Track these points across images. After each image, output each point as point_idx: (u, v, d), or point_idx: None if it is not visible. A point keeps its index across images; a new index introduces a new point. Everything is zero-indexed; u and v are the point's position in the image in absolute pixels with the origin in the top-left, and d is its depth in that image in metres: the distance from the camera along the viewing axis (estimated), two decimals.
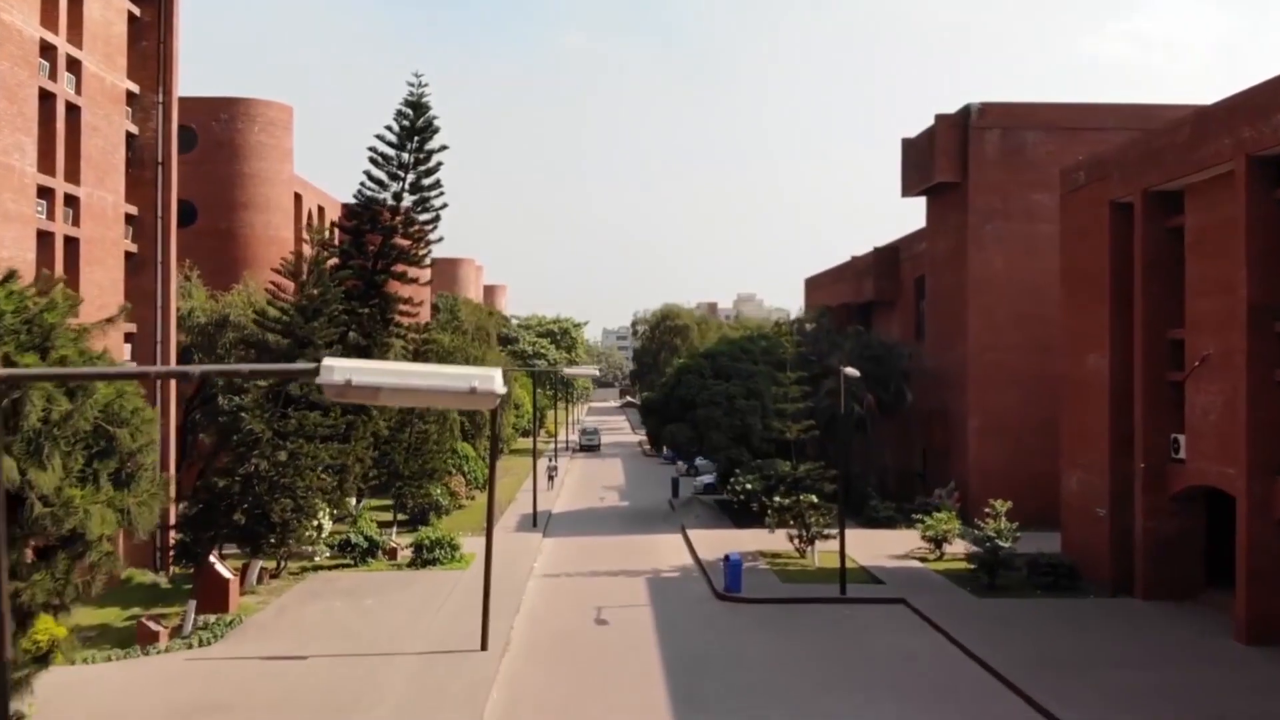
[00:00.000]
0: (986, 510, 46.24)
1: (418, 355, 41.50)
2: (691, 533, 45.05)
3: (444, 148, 35.53)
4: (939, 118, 48.96)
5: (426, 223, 35.47)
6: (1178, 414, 32.26)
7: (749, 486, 45.26)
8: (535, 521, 48.17)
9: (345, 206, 34.44)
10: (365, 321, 34.10)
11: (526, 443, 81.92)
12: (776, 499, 38.18)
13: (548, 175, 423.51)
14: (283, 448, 28.62)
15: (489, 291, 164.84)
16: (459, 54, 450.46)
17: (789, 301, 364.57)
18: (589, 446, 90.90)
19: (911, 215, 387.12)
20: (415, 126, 34.99)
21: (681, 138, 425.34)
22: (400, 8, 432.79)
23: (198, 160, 58.59)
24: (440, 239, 37.14)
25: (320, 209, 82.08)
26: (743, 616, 31.06)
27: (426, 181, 35.18)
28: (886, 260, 58.76)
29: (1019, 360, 47.48)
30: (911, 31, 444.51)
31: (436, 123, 35.26)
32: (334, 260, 34.98)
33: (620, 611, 31.47)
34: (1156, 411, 32.60)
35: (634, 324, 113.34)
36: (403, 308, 35.22)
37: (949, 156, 48.56)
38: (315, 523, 34.52)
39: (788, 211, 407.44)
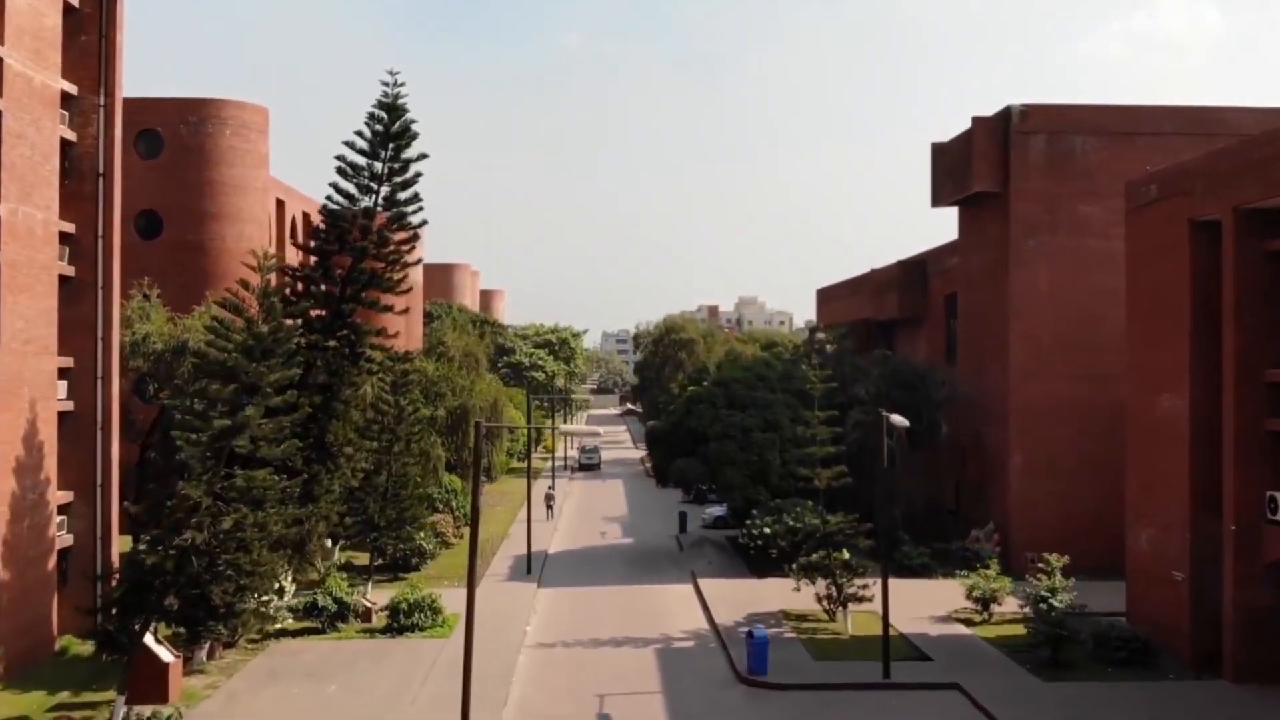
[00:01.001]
0: (1034, 560, 41.76)
1: (397, 388, 36.83)
2: (704, 583, 40.43)
3: (423, 156, 30.87)
4: (976, 121, 44.34)
5: (403, 243, 30.78)
6: (1276, 468, 27.69)
7: (767, 531, 40.67)
8: (530, 566, 43.52)
9: (309, 226, 29.62)
10: (331, 357, 29.40)
11: (537, 463, 77.50)
12: (803, 557, 33.56)
13: (545, 177, 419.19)
14: (226, 514, 23.98)
15: (485, 296, 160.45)
16: (457, 54, 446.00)
17: (791, 304, 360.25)
18: (588, 465, 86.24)
19: (919, 215, 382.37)
20: (390, 132, 30.33)
21: (682, 138, 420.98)
22: (397, 7, 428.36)
23: (165, 167, 54.17)
24: (419, 261, 32.67)
25: (306, 216, 77.44)
26: (771, 708, 26.46)
27: (403, 195, 30.52)
28: (912, 275, 54.13)
29: (1066, 390, 42.89)
30: (911, 32, 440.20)
31: (415, 127, 30.64)
32: (297, 286, 30.27)
33: (627, 702, 26.85)
34: (1249, 464, 28.00)
35: (636, 337, 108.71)
36: (375, 341, 30.49)
37: (988, 163, 43.93)
38: (272, 589, 29.92)
39: (789, 213, 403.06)
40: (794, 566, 34.79)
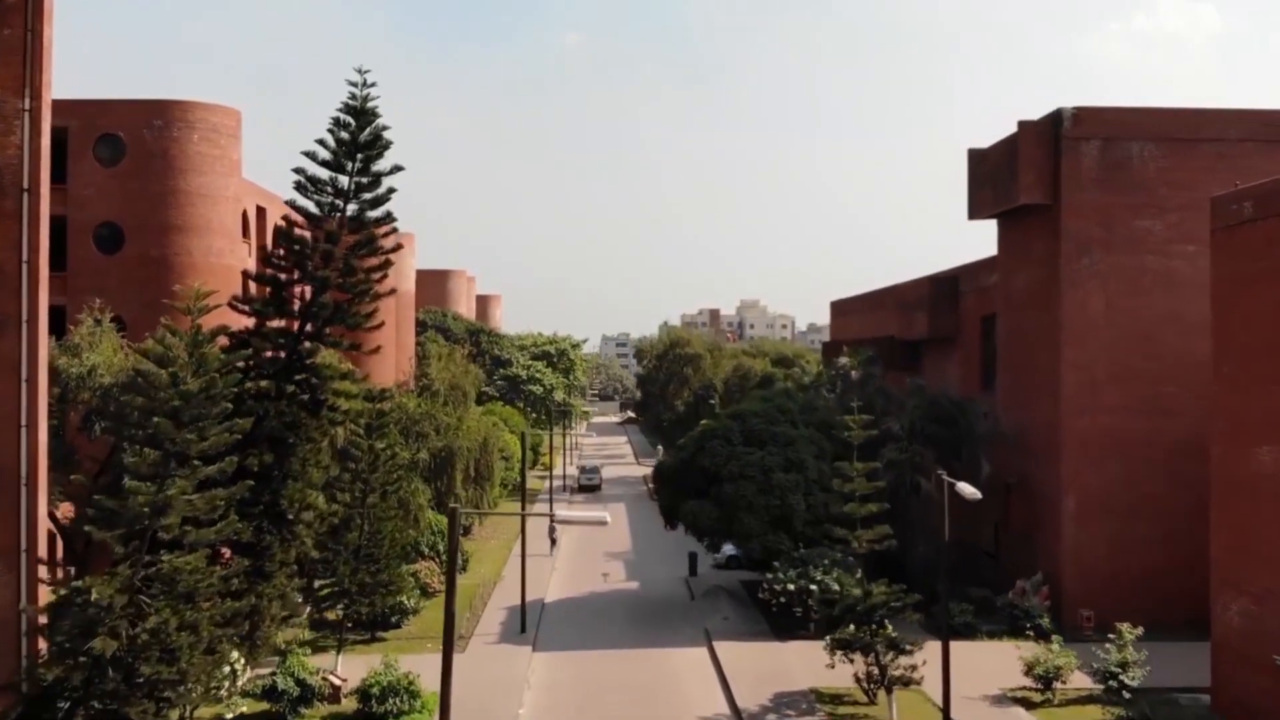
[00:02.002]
0: (1089, 618, 37.46)
1: (371, 431, 32.24)
2: (720, 646, 35.91)
3: (397, 169, 26.36)
4: (1023, 126, 39.78)
5: (374, 270, 26.24)
6: None
7: (791, 588, 36.14)
8: (524, 623, 38.91)
9: (261, 250, 25.06)
10: (286, 407, 24.84)
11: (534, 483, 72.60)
12: (840, 631, 29.02)
13: (544, 179, 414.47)
14: (148, 613, 19.44)
15: (482, 302, 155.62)
16: (454, 54, 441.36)
17: (793, 308, 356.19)
18: (589, 487, 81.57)
19: (920, 215, 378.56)
20: (358, 141, 25.81)
21: (682, 139, 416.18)
22: (393, 7, 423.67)
23: (126, 175, 49.44)
24: (392, 291, 28.25)
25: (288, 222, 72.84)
26: None
27: (374, 214, 25.98)
28: (944, 292, 49.56)
29: (1125, 425, 38.45)
30: (911, 33, 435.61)
31: (388, 135, 26.08)
32: (245, 323, 25.70)
33: None
34: None
35: (638, 352, 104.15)
36: (338, 387, 25.90)
37: (1035, 173, 39.38)
38: (224, 671, 25.34)
39: (790, 215, 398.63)
40: (827, 640, 30.29)
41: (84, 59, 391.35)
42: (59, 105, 51.03)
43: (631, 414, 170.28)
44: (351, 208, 26.17)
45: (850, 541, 29.03)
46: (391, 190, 26.25)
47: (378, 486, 31.74)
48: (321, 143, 25.72)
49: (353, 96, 25.96)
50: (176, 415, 20.15)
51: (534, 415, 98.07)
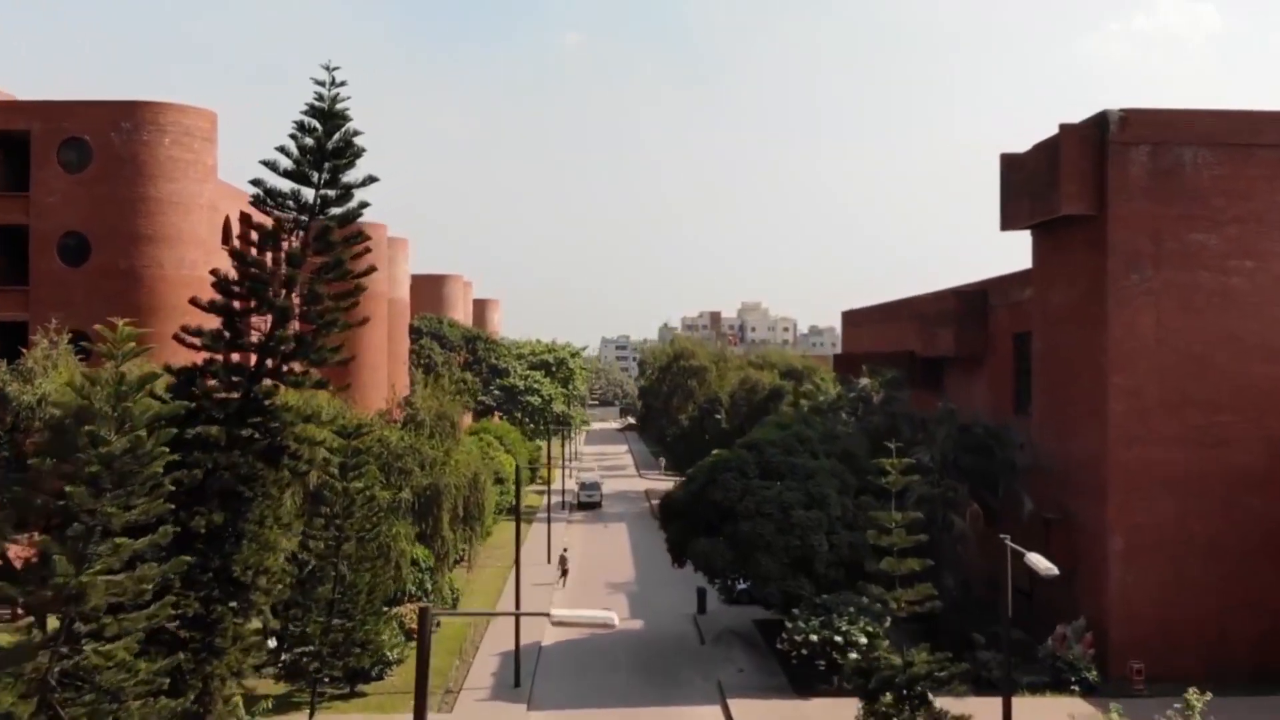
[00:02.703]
0: (1139, 671, 34.16)
1: (347, 470, 28.78)
2: (736, 705, 32.49)
3: (370, 180, 22.99)
4: (1064, 130, 36.36)
5: (342, 297, 22.83)
6: None
7: (813, 638, 32.73)
8: (518, 674, 35.47)
9: (215, 273, 21.64)
10: (239, 458, 21.44)
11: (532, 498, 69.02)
12: (878, 703, 25.60)
13: (542, 181, 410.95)
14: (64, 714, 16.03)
15: (480, 307, 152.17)
16: (452, 54, 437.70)
17: (795, 310, 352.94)
18: (588, 504, 78.14)
19: (921, 216, 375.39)
20: (325, 148, 22.44)
21: (681, 141, 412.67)
22: (393, 7, 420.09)
23: (92, 181, 46.18)
24: (364, 321, 24.91)
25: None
26: None
27: (343, 233, 22.55)
28: (972, 307, 46.12)
29: (1177, 457, 35.13)
30: (911, 33, 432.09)
31: (360, 141, 22.67)
32: (195, 359, 22.27)
33: None
34: None
35: (641, 363, 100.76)
36: (302, 431, 22.48)
37: (1079, 181, 35.97)
38: None
39: (790, 216, 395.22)
40: (860, 708, 26.89)
41: (83, 59, 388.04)
42: (20, 107, 47.88)
43: (632, 420, 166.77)
44: (318, 224, 22.65)
45: (887, 602, 25.60)
46: (364, 205, 22.87)
47: (353, 533, 28.30)
48: (283, 150, 22.29)
49: (319, 97, 22.57)
50: (96, 482, 16.73)
51: (532, 426, 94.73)
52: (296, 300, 22.00)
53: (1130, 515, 35.28)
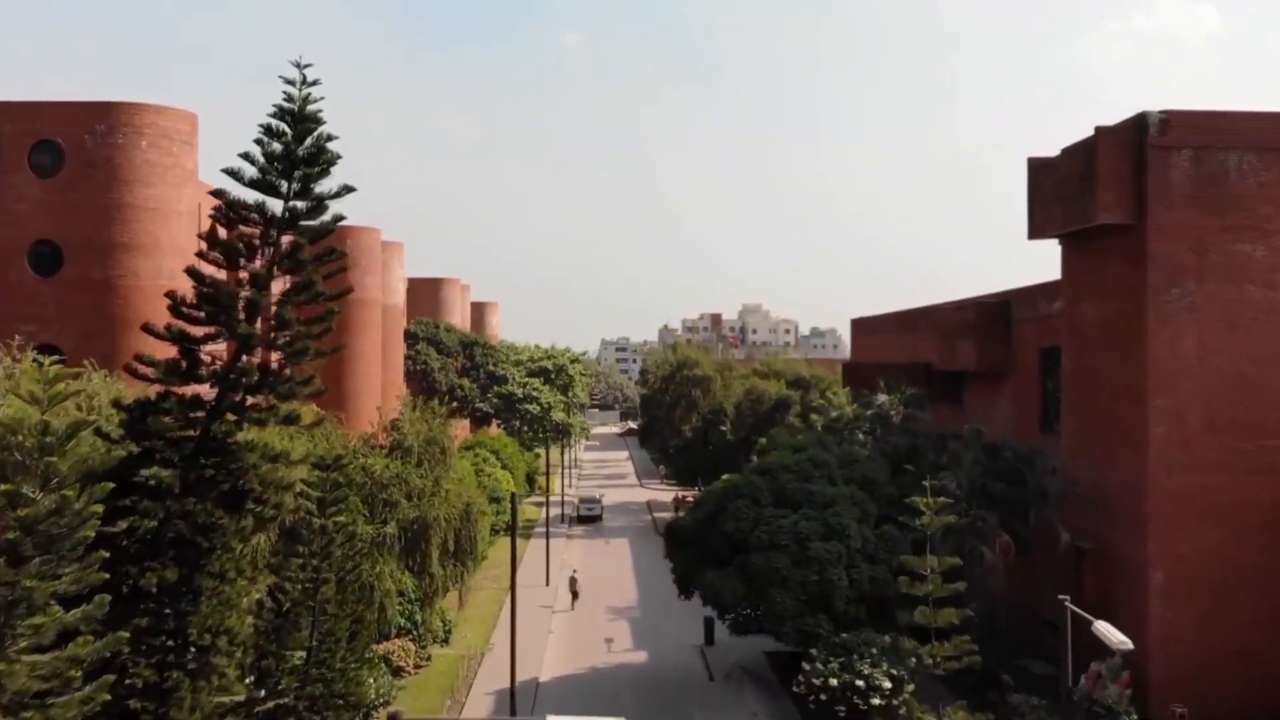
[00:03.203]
0: (1182, 714, 31.71)
1: (325, 506, 26.26)
2: None
3: (347, 190, 20.54)
4: (1101, 132, 33.89)
5: (314, 322, 20.37)
6: None
7: (833, 681, 30.26)
8: (514, 711, 33.02)
9: (170, 295, 19.12)
10: (195, 506, 18.95)
11: (530, 510, 66.52)
12: None
13: (542, 181, 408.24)
14: None
15: (478, 310, 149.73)
16: (454, 54, 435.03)
17: (797, 312, 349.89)
18: (589, 518, 75.66)
19: (922, 217, 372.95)
20: (295, 155, 19.99)
21: (682, 141, 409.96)
22: (393, 7, 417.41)
23: (65, 186, 43.59)
24: (339, 348, 22.53)
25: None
26: None
27: (310, 253, 20.07)
28: (994, 319, 43.63)
29: (1223, 485, 32.68)
30: (911, 33, 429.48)
31: (333, 147, 20.18)
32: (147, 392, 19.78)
33: None
34: None
35: (643, 372, 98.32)
36: (268, 473, 19.98)
37: (1116, 188, 33.48)
38: None
39: (791, 217, 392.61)
40: None
41: (81, 60, 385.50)
42: None
43: (632, 425, 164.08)
44: (285, 240, 20.15)
45: (922, 657, 23.12)
46: (339, 219, 20.41)
47: (332, 574, 25.78)
48: (248, 157, 19.79)
49: (289, 98, 20.08)
50: (16, 549, 14.26)
51: (530, 434, 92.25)
52: (262, 326, 19.52)
53: (1172, 546, 32.84)
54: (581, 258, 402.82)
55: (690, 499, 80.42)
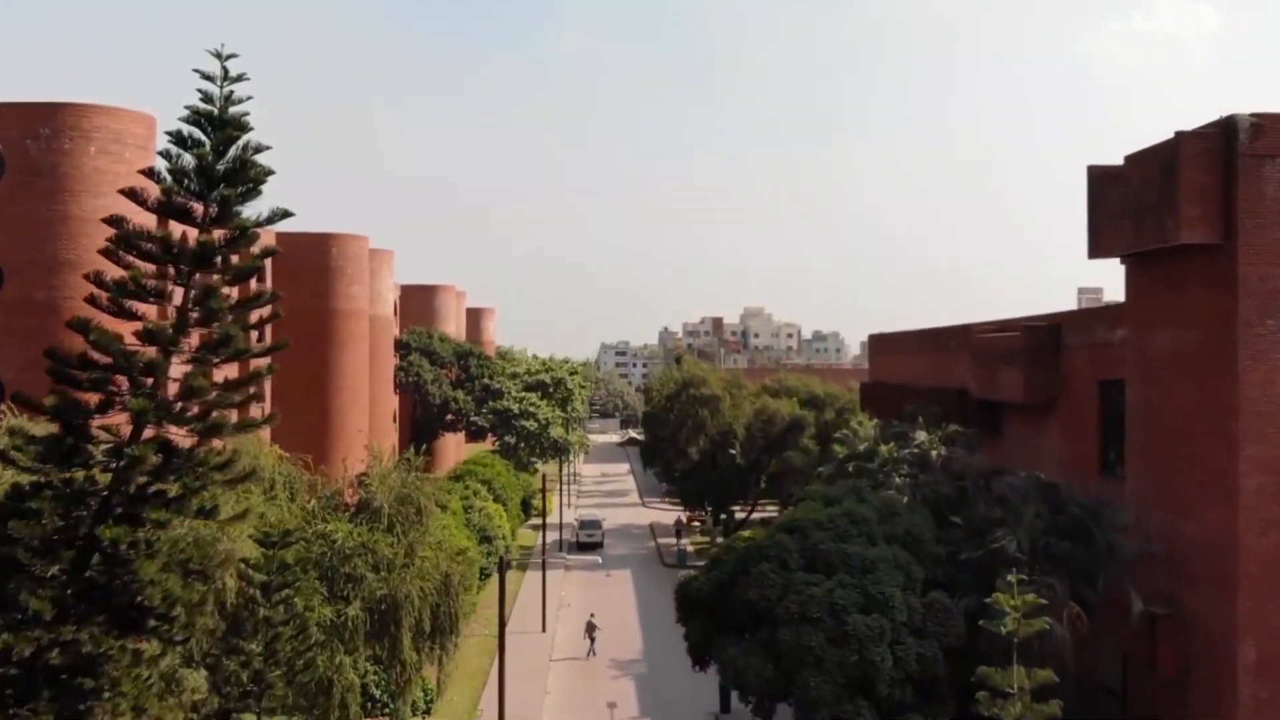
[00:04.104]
0: None
1: (271, 591, 21.71)
2: None
3: (284, 214, 16.05)
4: (1182, 137, 29.35)
5: (234, 388, 15.84)
6: None
7: None
8: None
9: (49, 354, 14.51)
10: (76, 633, 14.45)
11: (526, 535, 62.00)
12: None
13: (541, 183, 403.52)
14: None
15: (474, 316, 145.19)
16: (454, 55, 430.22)
17: (799, 315, 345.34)
18: (589, 544, 70.99)
19: (924, 218, 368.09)
20: (211, 170, 15.48)
21: (681, 143, 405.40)
22: (392, 8, 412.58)
23: (4, 197, 38.91)
24: (273, 418, 18.09)
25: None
26: None
27: (220, 300, 15.56)
28: (1043, 345, 39.07)
29: None
30: (910, 33, 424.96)
31: (262, 160, 15.66)
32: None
33: None
34: None
35: (646, 390, 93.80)
36: (171, 587, 15.42)
37: (1201, 201, 28.93)
38: None
39: (793, 219, 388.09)
40: None
41: (80, 60, 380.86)
42: None
43: (633, 434, 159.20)
44: (203, 274, 15.59)
45: None
46: (269, 253, 15.98)
47: (277, 676, 21.25)
48: (151, 173, 15.23)
49: (206, 97, 15.59)
50: None
51: (527, 450, 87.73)
52: (165, 394, 15.02)
53: (1266, 616, 28.35)
54: (581, 261, 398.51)
55: (695, 523, 76.08)
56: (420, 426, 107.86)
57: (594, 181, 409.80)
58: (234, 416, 15.83)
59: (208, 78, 15.56)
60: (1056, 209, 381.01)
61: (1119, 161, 32.66)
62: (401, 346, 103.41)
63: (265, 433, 70.18)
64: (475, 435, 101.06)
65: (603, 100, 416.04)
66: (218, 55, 15.44)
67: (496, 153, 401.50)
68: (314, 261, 72.08)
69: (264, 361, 16.69)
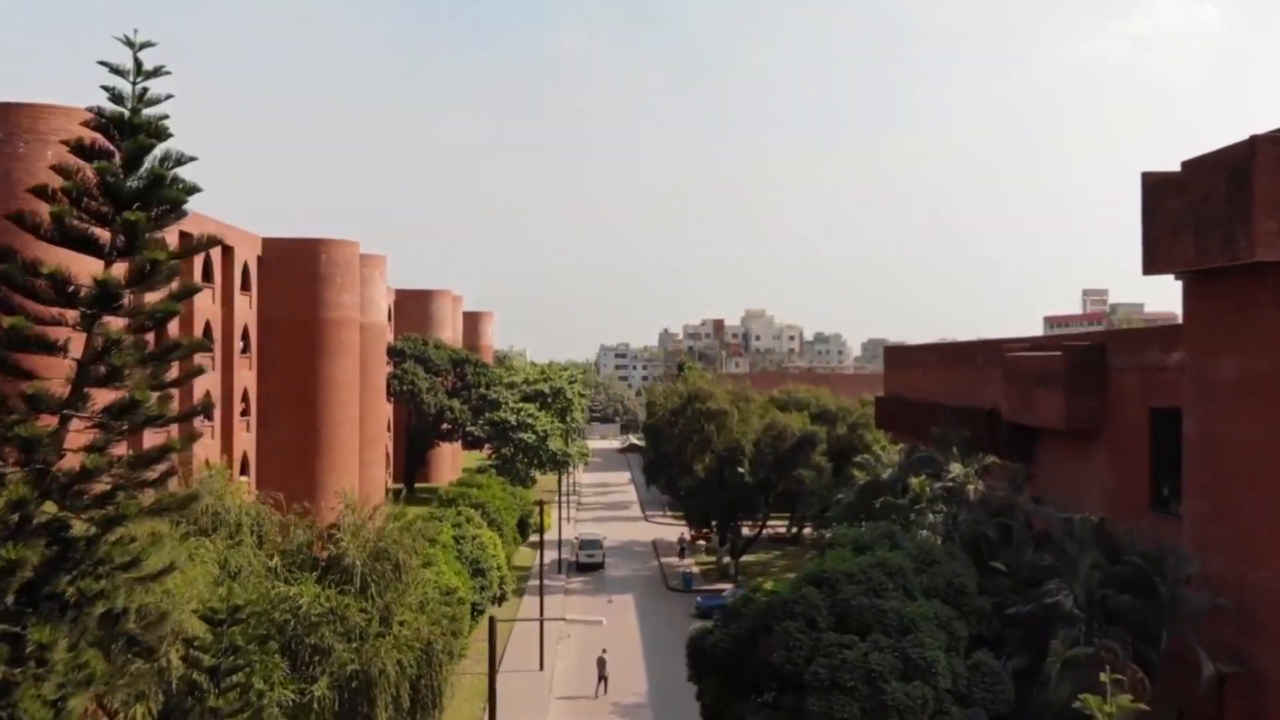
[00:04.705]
0: None
1: (219, 677, 18.43)
2: None
3: (210, 242, 12.88)
4: (1258, 141, 26.10)
5: (141, 463, 12.62)
6: None
7: None
8: None
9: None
10: None
11: (523, 554, 58.49)
12: None
13: (540, 185, 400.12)
14: None
15: (471, 321, 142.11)
16: (454, 55, 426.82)
17: (801, 318, 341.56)
18: (589, 565, 67.71)
19: (924, 219, 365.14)
20: (118, 188, 12.32)
21: (681, 145, 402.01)
22: (390, 8, 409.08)
23: None
24: (195, 496, 14.95)
25: (227, 250, 59.55)
26: None
27: (129, 353, 12.38)
28: (1086, 366, 35.81)
29: None
30: (910, 33, 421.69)
31: (186, 175, 12.48)
32: None
33: None
34: None
35: (650, 404, 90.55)
36: None
37: (1278, 213, 25.71)
38: None
39: (794, 220, 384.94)
40: None
41: (77, 61, 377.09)
42: None
43: (634, 440, 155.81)
44: (107, 316, 12.39)
45: None
46: (190, 290, 12.76)
47: None
48: (42, 191, 12.04)
49: (115, 96, 12.38)
50: None
51: (526, 462, 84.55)
52: (59, 472, 11.83)
53: None
54: (580, 264, 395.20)
55: (700, 541, 72.83)
56: (415, 436, 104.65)
57: (594, 182, 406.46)
58: (135, 506, 12.60)
59: (117, 72, 12.38)
60: (1058, 210, 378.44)
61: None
62: (396, 354, 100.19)
63: (252, 445, 67.59)
64: (473, 444, 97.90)
65: (603, 101, 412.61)
66: (129, 43, 12.20)
67: (496, 154, 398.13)
68: (301, 269, 68.96)
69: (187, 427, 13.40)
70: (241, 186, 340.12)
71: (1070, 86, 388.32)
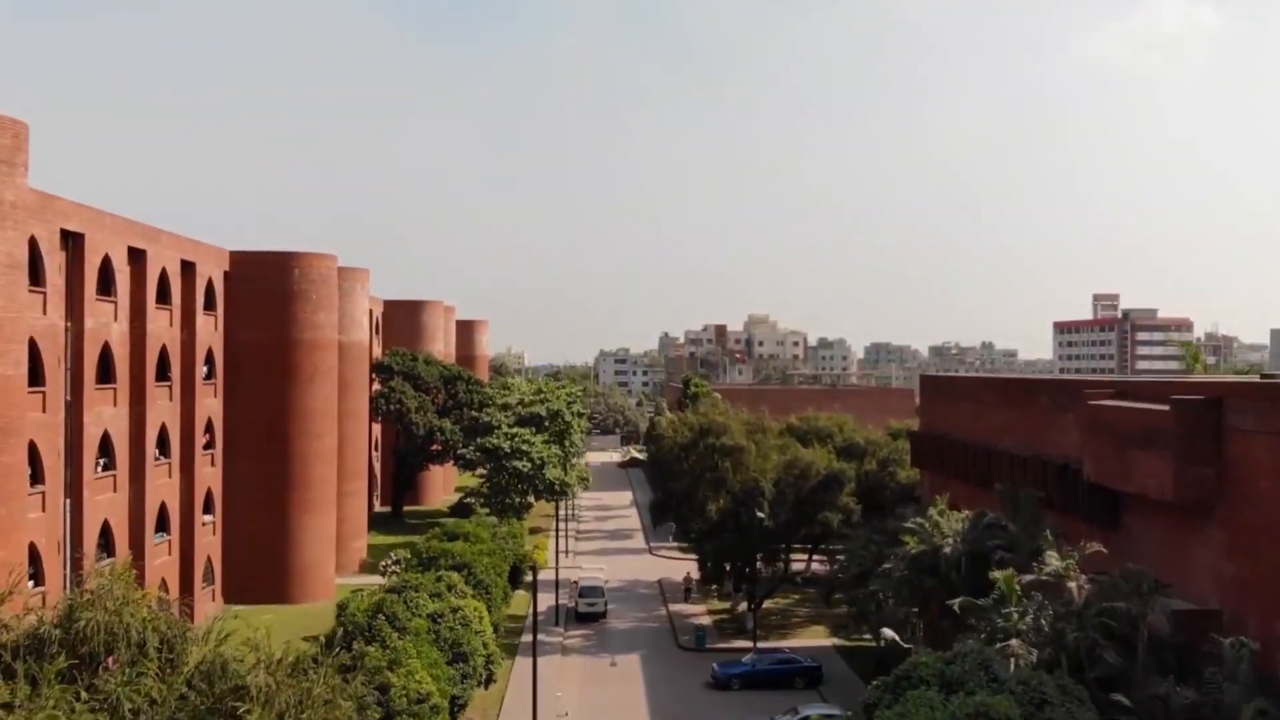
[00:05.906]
0: None
1: None
2: None
3: None
4: None
5: None
6: None
7: None
8: None
9: None
10: None
11: (518, 602, 51.77)
12: None
13: (539, 187, 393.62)
14: None
15: (466, 329, 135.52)
16: (453, 57, 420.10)
17: (803, 323, 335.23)
18: (589, 615, 61.05)
19: (925, 220, 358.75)
20: None
21: (681, 146, 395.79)
22: (381, 10, 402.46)
23: None
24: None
25: (188, 266, 53.08)
26: None
27: None
28: (1200, 425, 29.31)
29: None
30: (910, 33, 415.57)
31: None
32: None
33: None
34: None
35: (654, 435, 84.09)
36: None
37: None
38: None
39: (795, 221, 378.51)
40: None
41: (75, 62, 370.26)
42: None
43: (635, 454, 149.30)
44: None
45: None
46: None
47: None
48: None
49: None
50: None
51: (522, 490, 78.01)
52: None
53: None
54: (578, 267, 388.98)
55: (714, 586, 66.22)
56: (404, 457, 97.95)
57: (593, 185, 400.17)
58: None
59: None
60: (1060, 210, 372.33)
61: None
62: (383, 370, 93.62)
63: (217, 480, 60.98)
64: (466, 464, 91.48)
65: (603, 102, 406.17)
66: None
67: (492, 158, 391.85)
68: (272, 285, 62.37)
69: None
70: (219, 198, 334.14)
71: (1069, 86, 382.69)
